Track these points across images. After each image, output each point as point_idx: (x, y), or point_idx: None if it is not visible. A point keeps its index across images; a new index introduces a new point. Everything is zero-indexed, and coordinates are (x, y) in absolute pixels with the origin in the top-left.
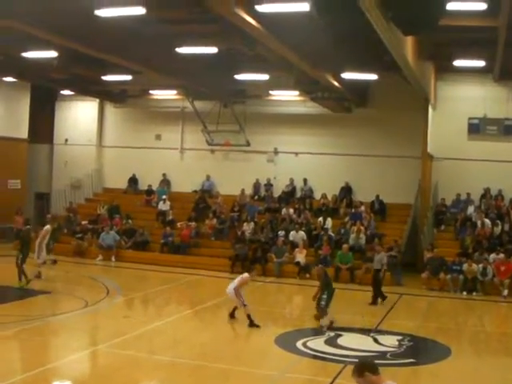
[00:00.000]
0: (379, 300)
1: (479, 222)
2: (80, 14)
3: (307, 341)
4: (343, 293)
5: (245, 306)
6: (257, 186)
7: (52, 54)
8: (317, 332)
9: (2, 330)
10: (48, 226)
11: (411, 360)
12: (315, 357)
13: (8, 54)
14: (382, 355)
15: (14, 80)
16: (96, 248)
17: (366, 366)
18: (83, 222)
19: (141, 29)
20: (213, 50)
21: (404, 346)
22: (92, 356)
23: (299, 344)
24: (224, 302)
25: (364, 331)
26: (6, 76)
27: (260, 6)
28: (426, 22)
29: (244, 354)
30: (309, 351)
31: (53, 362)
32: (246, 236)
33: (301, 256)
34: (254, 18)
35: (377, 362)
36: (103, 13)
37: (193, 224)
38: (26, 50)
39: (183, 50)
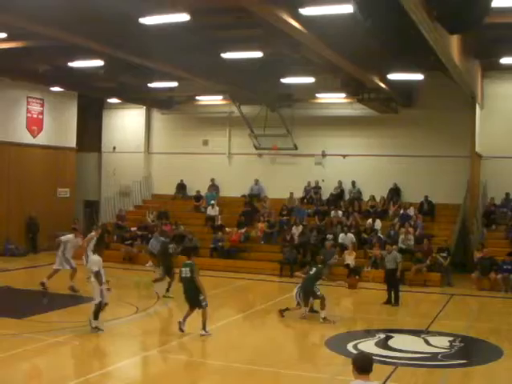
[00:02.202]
0: (392, 302)
1: None
2: (125, 22)
3: (358, 343)
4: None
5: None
6: (305, 189)
7: (98, 63)
8: (368, 334)
9: (55, 335)
10: (93, 233)
11: (463, 361)
12: None
13: (55, 64)
14: (434, 357)
15: (62, 90)
16: (145, 254)
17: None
18: (132, 229)
19: (186, 35)
20: (258, 54)
21: (455, 347)
22: (144, 361)
23: (350, 346)
24: (273, 305)
25: (415, 332)
26: (53, 86)
27: (304, 9)
28: (471, 20)
29: (295, 357)
30: None
31: (105, 367)
32: (295, 239)
33: (350, 258)
34: (298, 22)
35: (428, 363)
36: (148, 21)
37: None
38: (72, 60)
39: (228, 55)
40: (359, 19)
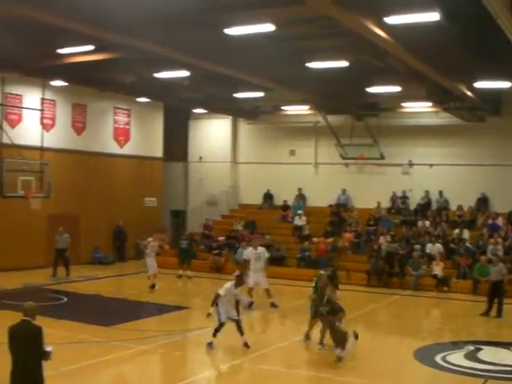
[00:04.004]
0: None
1: None
2: (210, 33)
3: (447, 355)
4: (481, 306)
5: None
6: (392, 198)
7: (184, 73)
8: (456, 346)
9: (142, 344)
10: (150, 239)
11: None
12: (455, 371)
13: (142, 75)
14: None
15: (148, 100)
16: (233, 263)
17: None
18: (220, 238)
19: (270, 45)
20: (343, 63)
21: None
22: (230, 371)
23: (438, 358)
24: (360, 316)
25: (505, 345)
26: (140, 96)
27: (389, 18)
28: None
29: (383, 368)
30: (448, 365)
31: (191, 376)
32: (383, 249)
33: (438, 269)
34: (383, 30)
35: None
36: (233, 31)
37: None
38: (158, 71)
39: (314, 64)
40: (445, 27)
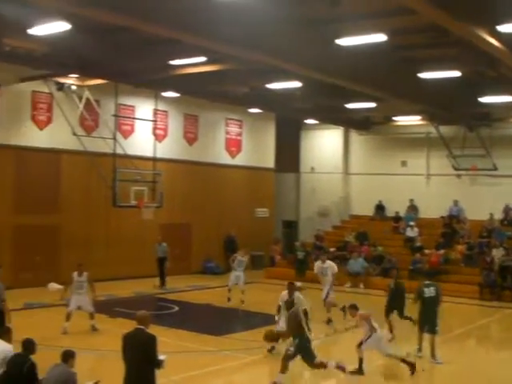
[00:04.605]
0: None
1: None
2: (322, 44)
3: None
4: None
5: None
6: (505, 210)
7: (295, 84)
8: None
9: (254, 354)
10: (235, 254)
11: None
12: None
13: (253, 86)
14: None
15: (260, 111)
16: (344, 275)
17: None
18: (331, 249)
19: (382, 55)
20: (455, 73)
21: None
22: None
23: None
24: (472, 329)
25: None
26: (252, 107)
27: (501, 26)
28: None
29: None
30: None
31: None
32: (495, 262)
33: None
34: (495, 39)
35: None
36: (344, 42)
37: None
38: (270, 82)
39: (425, 75)
40: None
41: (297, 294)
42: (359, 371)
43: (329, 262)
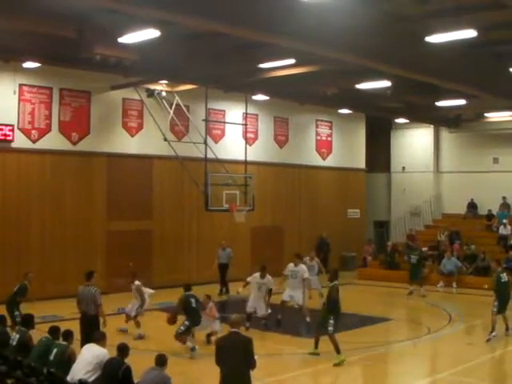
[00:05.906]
0: None
1: None
2: (411, 41)
3: None
4: None
5: None
6: None
7: (385, 83)
8: None
9: (348, 355)
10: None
11: None
12: None
13: (343, 86)
14: None
15: (350, 112)
16: (437, 274)
17: None
18: (423, 249)
19: (472, 51)
20: None
21: None
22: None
23: None
24: None
25: None
26: (341, 108)
27: None
28: None
29: None
30: None
31: None
32: None
33: None
34: None
35: None
36: (434, 39)
37: None
38: (360, 82)
39: None
40: None
41: (267, 275)
42: None
43: (301, 266)
